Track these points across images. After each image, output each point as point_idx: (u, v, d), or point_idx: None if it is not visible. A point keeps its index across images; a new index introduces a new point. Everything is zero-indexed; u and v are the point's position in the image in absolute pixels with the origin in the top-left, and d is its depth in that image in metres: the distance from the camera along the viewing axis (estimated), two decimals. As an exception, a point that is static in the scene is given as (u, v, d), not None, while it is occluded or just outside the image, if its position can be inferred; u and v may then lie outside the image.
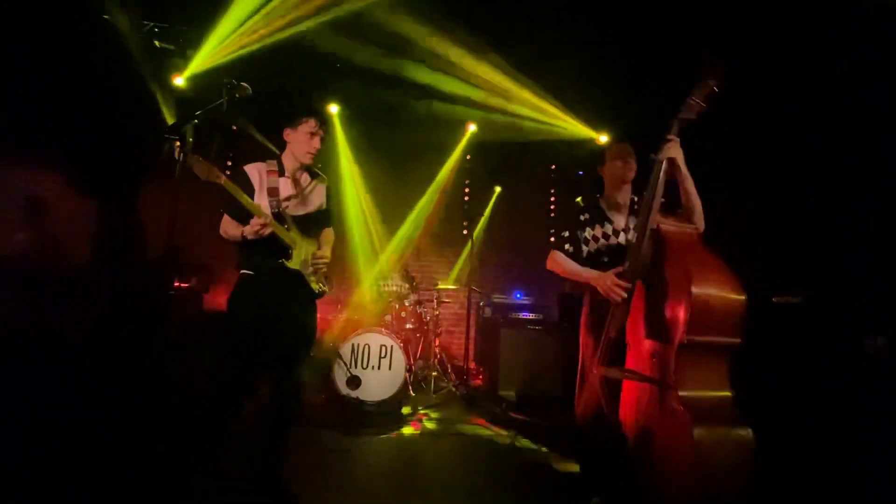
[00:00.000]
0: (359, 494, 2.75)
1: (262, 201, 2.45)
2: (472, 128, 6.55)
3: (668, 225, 2.12)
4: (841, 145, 3.40)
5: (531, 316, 5.59)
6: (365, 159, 6.69)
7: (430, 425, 4.10)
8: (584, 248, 2.62)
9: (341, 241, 6.25)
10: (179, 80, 5.18)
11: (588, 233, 2.62)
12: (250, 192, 2.44)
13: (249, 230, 2.29)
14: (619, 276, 2.21)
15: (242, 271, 2.49)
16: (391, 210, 6.79)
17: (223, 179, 2.22)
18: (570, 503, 2.80)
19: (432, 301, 5.54)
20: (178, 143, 2.08)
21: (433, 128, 6.28)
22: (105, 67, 4.55)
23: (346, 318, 5.33)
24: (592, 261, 2.58)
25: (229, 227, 2.44)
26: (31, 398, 3.30)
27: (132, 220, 5.20)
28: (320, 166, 2.77)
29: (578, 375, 2.58)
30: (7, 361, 3.52)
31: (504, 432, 3.95)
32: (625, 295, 2.17)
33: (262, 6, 4.53)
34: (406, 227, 6.86)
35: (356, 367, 4.26)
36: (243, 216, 2.34)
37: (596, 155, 2.79)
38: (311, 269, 2.55)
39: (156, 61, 5.03)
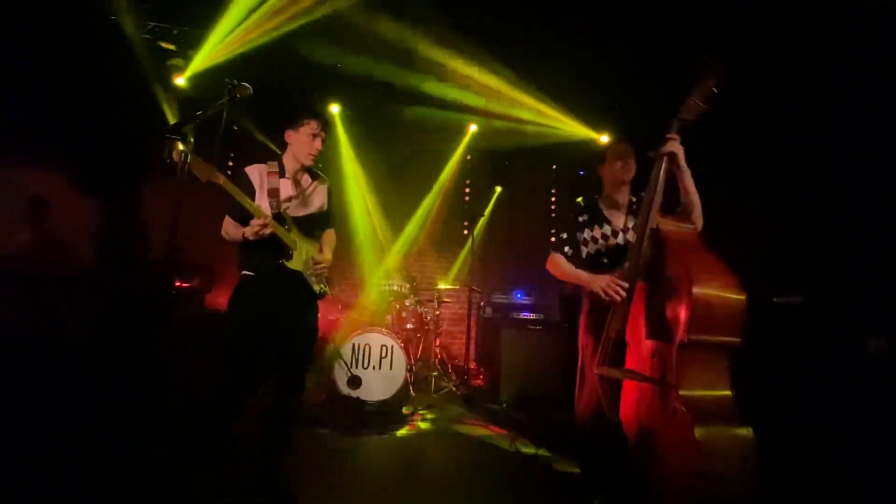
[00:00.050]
0: (359, 494, 2.75)
1: (262, 202, 2.45)
2: (472, 128, 6.55)
3: (668, 224, 2.13)
4: (841, 145, 3.40)
5: (532, 316, 5.59)
6: (366, 159, 6.70)
7: (430, 425, 4.10)
8: (584, 250, 2.62)
9: (347, 240, 6.30)
10: (181, 81, 5.19)
11: (587, 234, 2.62)
12: (251, 193, 2.44)
13: (249, 231, 2.29)
14: (619, 276, 2.21)
15: (243, 272, 2.49)
16: (393, 209, 6.81)
17: (222, 180, 2.22)
18: (570, 503, 2.80)
19: (433, 301, 5.55)
20: (179, 144, 2.08)
21: (434, 129, 6.30)
22: (107, 67, 4.56)
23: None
24: (592, 262, 2.58)
25: (230, 229, 2.45)
26: (32, 398, 3.31)
27: (134, 219, 5.21)
28: (321, 167, 2.77)
29: (578, 375, 2.59)
30: (7, 361, 3.52)
31: (504, 432, 3.95)
32: (624, 294, 2.17)
33: (261, 3, 4.54)
34: (411, 227, 6.87)
35: (357, 366, 4.26)
36: (244, 217, 2.35)
37: (596, 155, 2.79)
38: (311, 270, 2.56)
39: (158, 61, 5.04)
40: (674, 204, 2.26)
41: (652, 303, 2.09)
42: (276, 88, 4.83)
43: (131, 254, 5.04)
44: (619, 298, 2.18)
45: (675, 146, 2.14)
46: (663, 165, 2.13)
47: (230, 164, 5.91)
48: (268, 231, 2.31)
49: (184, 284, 5.09)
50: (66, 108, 4.35)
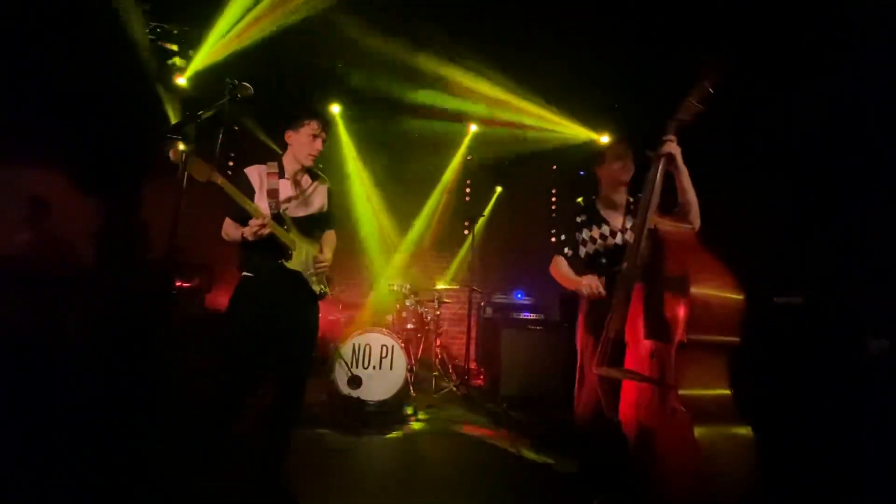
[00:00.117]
0: (359, 494, 2.75)
1: (261, 203, 2.45)
2: (473, 128, 6.55)
3: (666, 225, 2.13)
4: (841, 145, 3.40)
5: (532, 316, 5.59)
6: (367, 159, 6.71)
7: (430, 425, 4.10)
8: (582, 250, 2.63)
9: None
10: (182, 81, 5.19)
11: (585, 234, 2.63)
12: (251, 193, 2.44)
13: (248, 231, 2.29)
14: (618, 276, 2.22)
15: (243, 273, 2.49)
16: (396, 210, 6.81)
17: (220, 180, 2.22)
18: (570, 503, 2.80)
19: (433, 301, 5.55)
20: (180, 143, 2.08)
21: (434, 133, 6.33)
22: (108, 67, 4.56)
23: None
24: (591, 262, 2.59)
25: (230, 229, 2.45)
26: (32, 398, 3.31)
27: (134, 219, 5.20)
28: (322, 167, 2.77)
29: (577, 376, 2.59)
30: (7, 361, 3.52)
31: (505, 432, 3.95)
32: (602, 290, 2.26)
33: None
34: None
35: (357, 367, 4.26)
36: (244, 218, 2.35)
37: (594, 156, 2.79)
38: (311, 270, 2.56)
39: (159, 61, 5.04)
40: (671, 204, 2.27)
41: (650, 303, 2.09)
42: (276, 88, 4.83)
43: (131, 254, 5.03)
44: (597, 294, 2.29)
45: (673, 147, 2.15)
46: (660, 166, 2.14)
47: (231, 164, 5.91)
48: (266, 231, 2.31)
49: (184, 284, 5.09)
50: (66, 108, 4.35)
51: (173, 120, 5.18)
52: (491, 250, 7.07)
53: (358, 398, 4.17)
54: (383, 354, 4.34)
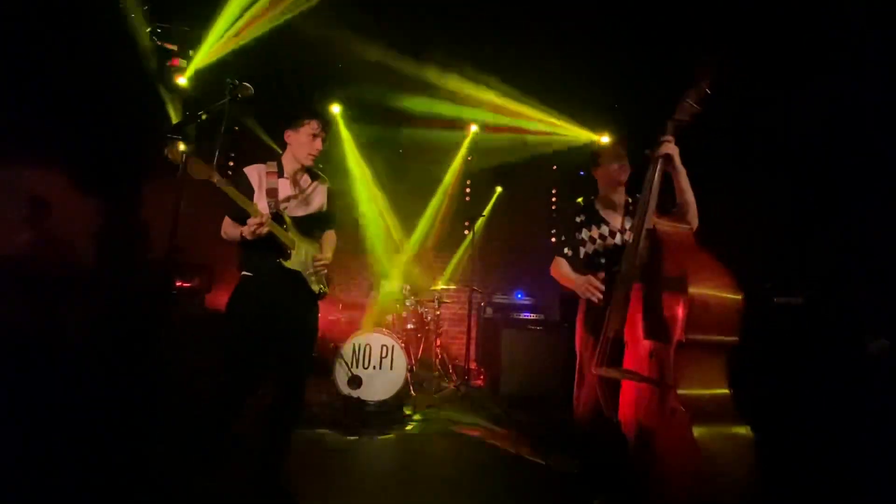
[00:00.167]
0: (359, 494, 2.75)
1: (260, 202, 2.45)
2: (473, 128, 6.56)
3: (664, 225, 2.13)
4: (841, 145, 3.40)
5: (532, 316, 5.59)
6: (368, 159, 6.71)
7: (430, 426, 4.10)
8: (582, 250, 2.63)
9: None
10: (182, 80, 5.19)
11: (585, 234, 2.63)
12: (249, 193, 2.44)
13: (246, 230, 2.29)
14: (617, 276, 2.22)
15: (243, 273, 2.49)
16: (399, 210, 6.81)
17: (217, 179, 2.21)
18: (570, 503, 2.80)
19: (433, 301, 5.55)
20: (181, 143, 2.08)
21: (434, 134, 6.35)
22: (108, 67, 4.56)
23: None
24: (590, 262, 2.58)
25: (229, 228, 2.45)
26: (32, 398, 3.31)
27: (134, 219, 5.21)
28: (322, 167, 2.77)
29: (576, 375, 2.59)
30: (7, 361, 3.52)
31: (505, 432, 3.95)
32: (599, 294, 2.24)
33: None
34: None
35: (357, 367, 4.26)
36: (243, 217, 2.34)
37: (591, 157, 2.80)
38: (310, 269, 2.56)
39: (159, 61, 5.04)
40: (670, 204, 2.27)
41: (649, 303, 2.09)
42: (276, 87, 4.83)
43: (131, 254, 5.04)
44: (595, 299, 2.24)
45: (670, 147, 2.15)
46: (658, 167, 2.14)
47: (231, 164, 5.91)
48: (264, 230, 2.31)
49: (184, 284, 5.09)
50: (66, 108, 4.35)
51: (174, 120, 5.18)
52: (491, 250, 7.06)
53: (358, 398, 4.17)
54: (383, 354, 4.34)
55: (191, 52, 5.00)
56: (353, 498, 2.70)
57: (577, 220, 2.66)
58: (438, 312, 5.54)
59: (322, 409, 4.14)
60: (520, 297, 6.18)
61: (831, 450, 2.73)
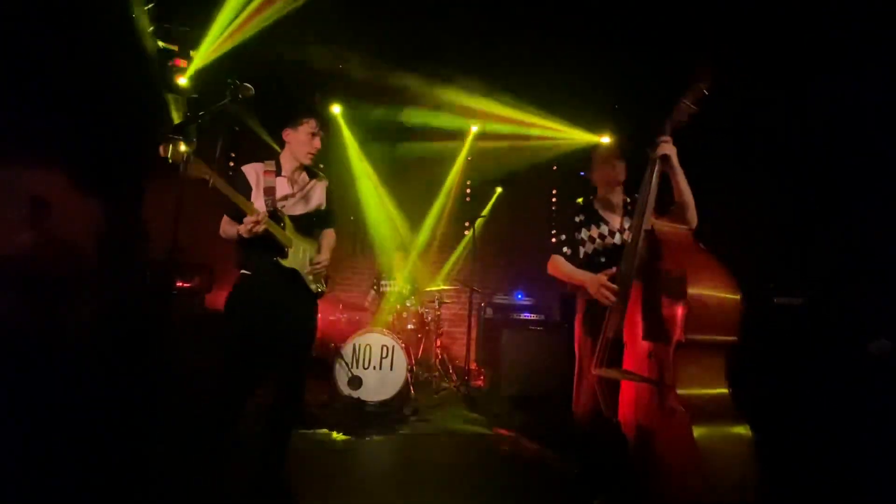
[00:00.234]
0: (359, 494, 2.75)
1: (258, 201, 2.45)
2: (474, 129, 6.55)
3: (663, 225, 2.13)
4: (841, 145, 3.40)
5: (533, 316, 5.59)
6: (369, 159, 6.71)
7: (431, 426, 4.10)
8: (581, 250, 2.63)
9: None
10: (183, 80, 5.19)
11: (584, 234, 2.63)
12: (247, 191, 2.45)
13: (243, 228, 2.29)
14: (615, 277, 2.22)
15: (241, 271, 2.50)
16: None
17: (213, 178, 2.21)
18: (570, 503, 2.80)
19: (434, 301, 5.54)
20: (181, 143, 2.08)
21: (435, 136, 6.37)
22: (109, 66, 4.56)
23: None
24: (589, 261, 2.58)
25: (227, 227, 2.46)
26: (32, 398, 3.31)
27: (134, 219, 5.20)
28: (321, 166, 2.77)
29: (576, 376, 2.59)
30: (7, 361, 3.52)
31: (505, 432, 3.95)
32: (613, 298, 2.19)
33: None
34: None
35: (357, 367, 4.26)
36: (241, 216, 2.35)
37: (587, 159, 2.81)
38: (308, 269, 2.56)
39: (160, 61, 5.05)
40: (668, 204, 2.27)
41: (648, 303, 2.09)
42: (276, 88, 4.83)
43: (131, 254, 5.03)
44: (607, 302, 2.20)
45: (668, 148, 2.15)
46: (656, 167, 2.14)
47: (231, 164, 5.91)
48: (261, 228, 2.31)
49: (184, 284, 5.09)
50: (66, 108, 4.35)
51: (176, 120, 5.18)
52: (491, 251, 7.06)
53: (358, 398, 4.17)
54: (384, 355, 4.34)
55: (191, 53, 5.01)
56: (353, 498, 2.70)
57: (577, 219, 2.66)
58: (439, 313, 5.54)
59: (322, 410, 4.14)
60: (520, 298, 6.18)
61: (831, 450, 2.73)
